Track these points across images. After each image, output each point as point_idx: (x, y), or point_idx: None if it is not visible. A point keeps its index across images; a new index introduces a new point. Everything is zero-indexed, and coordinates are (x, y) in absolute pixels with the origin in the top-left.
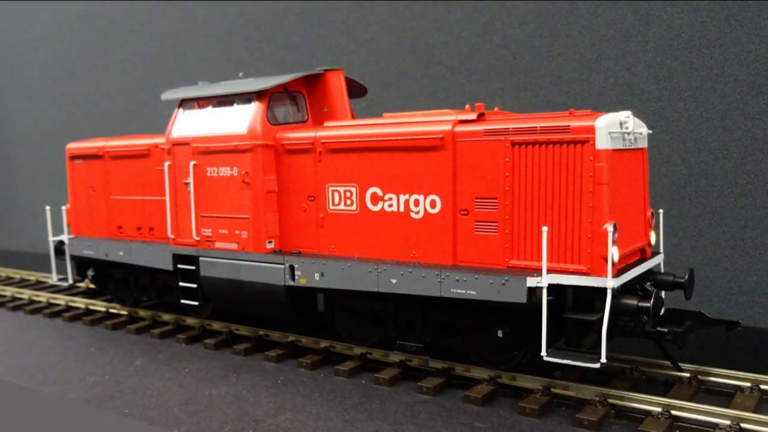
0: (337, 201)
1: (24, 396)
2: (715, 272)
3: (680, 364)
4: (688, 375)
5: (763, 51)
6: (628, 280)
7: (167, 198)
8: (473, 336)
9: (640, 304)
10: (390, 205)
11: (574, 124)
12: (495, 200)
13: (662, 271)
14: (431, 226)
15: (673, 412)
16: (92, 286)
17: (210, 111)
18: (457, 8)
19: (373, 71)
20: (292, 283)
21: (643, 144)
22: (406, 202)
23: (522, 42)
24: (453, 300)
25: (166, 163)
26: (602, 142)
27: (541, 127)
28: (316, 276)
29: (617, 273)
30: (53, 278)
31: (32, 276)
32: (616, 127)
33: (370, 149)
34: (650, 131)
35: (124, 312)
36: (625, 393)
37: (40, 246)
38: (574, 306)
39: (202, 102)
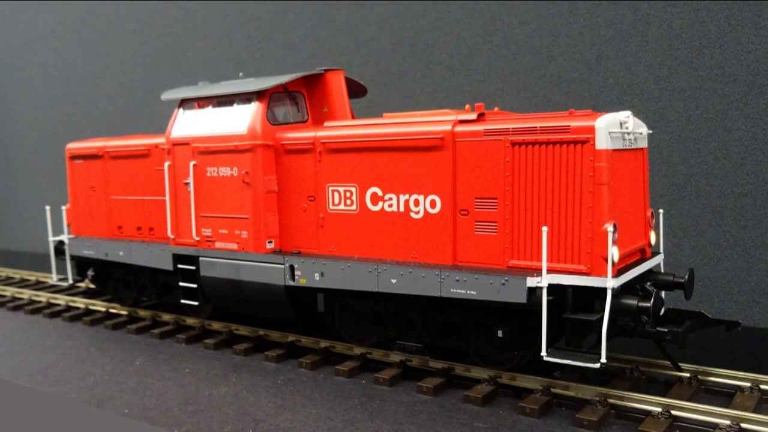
0: (337, 201)
1: (24, 396)
2: (715, 272)
3: (680, 364)
4: (688, 375)
5: (763, 51)
6: (628, 280)
7: (167, 198)
8: (473, 336)
9: (640, 304)
10: (390, 205)
11: (574, 124)
12: (495, 200)
13: (662, 271)
14: (431, 226)
15: (673, 412)
16: (92, 286)
17: (210, 111)
18: (457, 8)
19: (373, 71)
20: (292, 283)
21: (643, 144)
22: (406, 202)
23: (522, 42)
24: (453, 300)
25: (166, 163)
26: (602, 142)
27: (541, 127)
28: (316, 276)
29: (617, 273)
30: (53, 278)
31: (32, 276)
32: (616, 127)
33: (370, 149)
34: (650, 131)
35: (124, 312)
36: (625, 393)
37: (40, 246)
38: (574, 306)
39: (202, 102)
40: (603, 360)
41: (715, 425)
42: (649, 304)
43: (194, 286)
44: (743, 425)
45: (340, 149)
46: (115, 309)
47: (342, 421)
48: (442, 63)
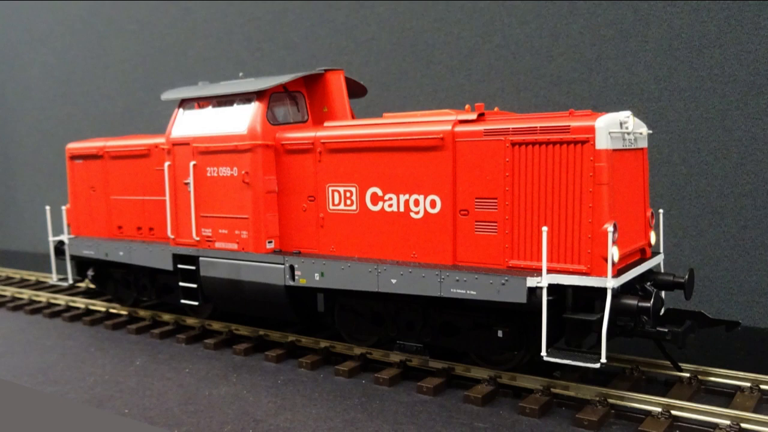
0: (337, 201)
1: (24, 396)
2: (715, 272)
3: (680, 364)
4: (688, 375)
5: (763, 51)
6: (628, 280)
7: (167, 198)
8: (473, 336)
9: (640, 304)
10: (390, 205)
11: (574, 124)
12: (495, 200)
13: (662, 271)
14: (431, 226)
15: (673, 412)
16: (92, 286)
17: (210, 111)
18: (457, 8)
19: (373, 71)
20: (292, 283)
21: (643, 144)
22: (406, 202)
23: (522, 42)
24: (453, 300)
25: (166, 163)
26: (602, 142)
27: (541, 127)
28: (316, 276)
29: (617, 273)
30: (53, 278)
31: (32, 276)
32: (616, 127)
33: (370, 149)
34: (650, 131)
35: (124, 312)
36: (625, 393)
37: (40, 246)
38: (574, 306)
39: (202, 102)
40: (603, 360)
41: (715, 425)
42: (649, 304)
43: (194, 286)
44: (743, 425)
45: (340, 149)
46: (115, 309)
47: (342, 421)
48: (442, 63)
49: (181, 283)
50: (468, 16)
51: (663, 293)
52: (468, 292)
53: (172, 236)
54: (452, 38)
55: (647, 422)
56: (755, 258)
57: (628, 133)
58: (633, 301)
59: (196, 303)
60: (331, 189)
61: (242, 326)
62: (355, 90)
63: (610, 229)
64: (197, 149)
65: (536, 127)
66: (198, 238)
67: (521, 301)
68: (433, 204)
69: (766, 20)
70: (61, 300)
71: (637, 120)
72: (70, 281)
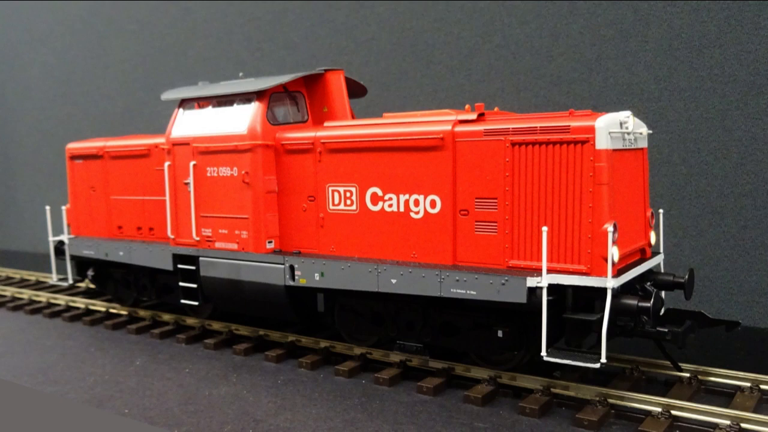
0: (337, 201)
1: (24, 396)
2: (715, 272)
3: (680, 364)
4: (688, 375)
5: (763, 51)
6: (628, 280)
7: (167, 198)
8: (473, 336)
9: (640, 304)
10: (390, 205)
11: (574, 124)
12: (495, 200)
13: (662, 271)
14: (431, 226)
15: (673, 412)
16: (92, 286)
17: (210, 111)
18: (457, 8)
19: (373, 71)
20: (292, 283)
21: (643, 144)
22: (406, 202)
23: (522, 42)
24: (453, 300)
25: (166, 163)
26: (602, 142)
27: (541, 127)
28: (316, 276)
29: (617, 273)
30: (53, 278)
31: (32, 276)
32: (616, 127)
33: (370, 149)
34: (650, 131)
35: (124, 312)
36: (625, 393)
37: (40, 246)
38: (574, 306)
39: (202, 102)
40: (603, 360)
41: (715, 425)
42: (649, 304)
43: (194, 286)
44: (743, 425)
45: (340, 149)
46: (115, 309)
47: (342, 421)
48: (442, 63)
49: (181, 283)
50: (468, 16)
51: (663, 293)
52: (468, 292)
53: (172, 236)
54: (452, 38)
55: (647, 422)
56: (755, 258)
57: (628, 133)
58: (633, 301)
59: (196, 303)
60: (331, 189)
61: (242, 326)
62: (355, 90)
63: (610, 229)
64: (197, 149)
65: (536, 127)
66: (198, 238)
67: (521, 301)
68: (433, 204)
69: (766, 20)
70: (61, 300)
71: (637, 120)
72: (70, 281)
